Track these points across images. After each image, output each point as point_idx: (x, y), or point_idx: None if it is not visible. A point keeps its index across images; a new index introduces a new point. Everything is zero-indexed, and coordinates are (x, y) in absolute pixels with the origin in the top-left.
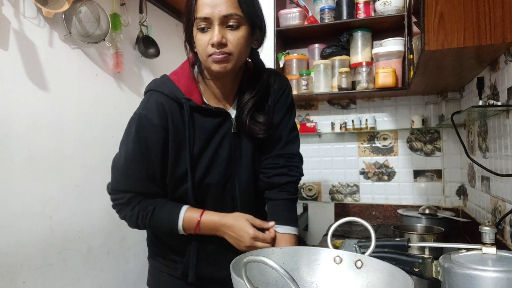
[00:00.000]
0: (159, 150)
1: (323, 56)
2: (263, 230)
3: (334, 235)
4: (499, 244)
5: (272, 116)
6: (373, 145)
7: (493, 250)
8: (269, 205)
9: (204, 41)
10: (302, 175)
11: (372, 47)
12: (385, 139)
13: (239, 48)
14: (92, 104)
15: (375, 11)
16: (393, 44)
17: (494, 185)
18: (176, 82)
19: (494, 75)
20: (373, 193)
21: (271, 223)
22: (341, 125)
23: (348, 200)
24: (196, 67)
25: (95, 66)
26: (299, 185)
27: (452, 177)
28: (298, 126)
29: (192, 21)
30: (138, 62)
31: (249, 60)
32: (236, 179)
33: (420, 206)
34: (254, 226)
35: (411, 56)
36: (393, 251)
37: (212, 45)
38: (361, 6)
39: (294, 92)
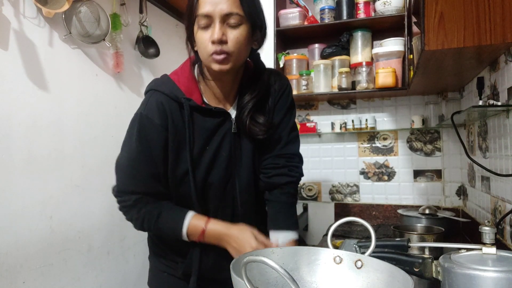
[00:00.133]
0: (161, 149)
1: (323, 56)
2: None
3: (334, 235)
4: (499, 244)
5: (272, 116)
6: (373, 145)
7: (493, 250)
8: (269, 208)
9: (205, 39)
10: (302, 175)
11: (372, 47)
12: (385, 139)
13: (239, 47)
14: (92, 104)
15: (375, 11)
16: (393, 44)
17: (494, 185)
18: (176, 82)
19: (494, 75)
20: (373, 193)
21: (274, 243)
22: (341, 125)
23: (348, 200)
24: (196, 66)
25: (95, 66)
26: (299, 185)
27: (452, 177)
28: (298, 126)
29: (193, 19)
30: (138, 62)
31: (249, 60)
32: (236, 179)
33: (420, 206)
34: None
35: (411, 56)
36: (393, 251)
37: (213, 43)
38: (361, 6)
39: (294, 92)
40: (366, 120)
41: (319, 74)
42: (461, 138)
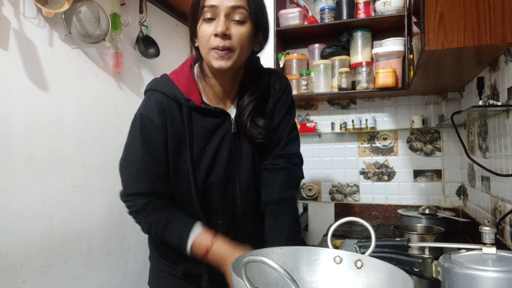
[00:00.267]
0: (163, 149)
1: (323, 56)
2: None
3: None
4: (499, 244)
5: (272, 117)
6: (373, 145)
7: (493, 250)
8: (269, 225)
9: (208, 32)
10: (302, 177)
11: (372, 47)
12: (385, 139)
13: (242, 43)
14: (92, 104)
15: (375, 11)
16: (393, 44)
17: (494, 185)
18: (175, 82)
19: (494, 75)
20: (373, 193)
21: None
22: (341, 125)
23: (348, 200)
24: (197, 65)
25: (95, 66)
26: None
27: (452, 177)
28: (298, 126)
29: (199, 12)
30: (138, 62)
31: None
32: (236, 179)
33: (420, 206)
34: None
35: (411, 56)
36: (393, 251)
37: (216, 36)
38: (361, 6)
39: (294, 92)
40: (366, 120)
41: (319, 74)
42: (461, 138)
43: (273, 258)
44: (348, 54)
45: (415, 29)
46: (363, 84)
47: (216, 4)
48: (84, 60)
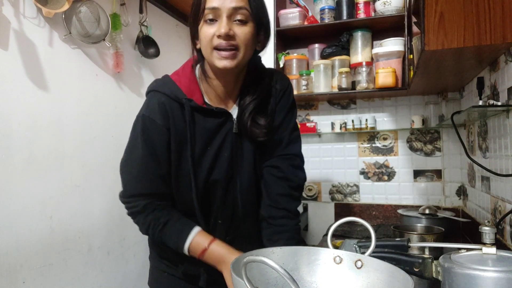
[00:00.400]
0: (164, 150)
1: (323, 56)
2: None
3: (334, 235)
4: (499, 244)
5: (273, 117)
6: (373, 145)
7: (493, 250)
8: (267, 239)
9: (209, 33)
10: (305, 180)
11: (372, 47)
12: (385, 139)
13: (245, 43)
14: (92, 104)
15: (375, 11)
16: (393, 44)
17: (494, 185)
18: (177, 82)
19: (494, 75)
20: (373, 193)
21: None
22: (341, 125)
23: (348, 200)
24: (198, 66)
25: (95, 66)
26: None
27: (452, 177)
28: (298, 126)
29: (200, 14)
30: (138, 62)
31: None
32: (237, 179)
33: (420, 206)
34: None
35: (411, 56)
36: (393, 251)
37: (219, 36)
38: (361, 6)
39: (294, 92)
40: (366, 120)
41: (319, 74)
42: (461, 138)
43: (273, 258)
44: (348, 54)
45: (415, 29)
46: (363, 84)
47: (218, 6)
48: (84, 60)
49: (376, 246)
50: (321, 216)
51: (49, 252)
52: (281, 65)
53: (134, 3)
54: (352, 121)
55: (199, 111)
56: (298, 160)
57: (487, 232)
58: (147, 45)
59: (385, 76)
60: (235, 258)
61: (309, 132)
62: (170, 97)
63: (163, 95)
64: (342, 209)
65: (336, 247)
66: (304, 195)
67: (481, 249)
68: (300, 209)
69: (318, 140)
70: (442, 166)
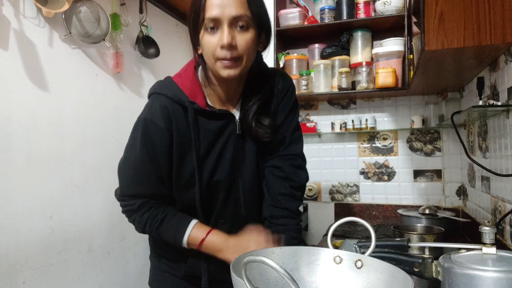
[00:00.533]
0: (165, 153)
1: (323, 56)
2: None
3: (334, 235)
4: (499, 244)
5: (275, 117)
6: (373, 145)
7: (493, 250)
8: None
9: (212, 43)
10: (307, 180)
11: (372, 47)
12: (385, 139)
13: (248, 50)
14: (92, 104)
15: (375, 11)
16: (393, 44)
17: (494, 185)
18: (179, 85)
19: (494, 75)
20: (373, 193)
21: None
22: (341, 125)
23: (348, 200)
24: (200, 69)
25: (95, 66)
26: None
27: (452, 177)
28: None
29: (199, 22)
30: (138, 62)
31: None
32: (240, 180)
33: (420, 206)
34: None
35: (411, 56)
36: (393, 251)
37: (222, 47)
38: (361, 6)
39: None
40: (366, 120)
41: (319, 74)
42: (461, 138)
43: (273, 258)
44: (348, 54)
45: (415, 29)
46: (363, 84)
47: (218, 16)
48: (84, 60)
49: (376, 246)
50: (321, 216)
51: (49, 252)
52: (281, 65)
53: (134, 3)
54: (352, 121)
55: (203, 114)
56: (299, 160)
57: (487, 232)
58: (147, 45)
59: (385, 76)
60: (235, 258)
61: (309, 132)
62: (173, 100)
63: (165, 97)
64: (342, 209)
65: (336, 247)
66: (304, 195)
67: (481, 249)
68: (300, 209)
69: (318, 140)
70: (442, 166)
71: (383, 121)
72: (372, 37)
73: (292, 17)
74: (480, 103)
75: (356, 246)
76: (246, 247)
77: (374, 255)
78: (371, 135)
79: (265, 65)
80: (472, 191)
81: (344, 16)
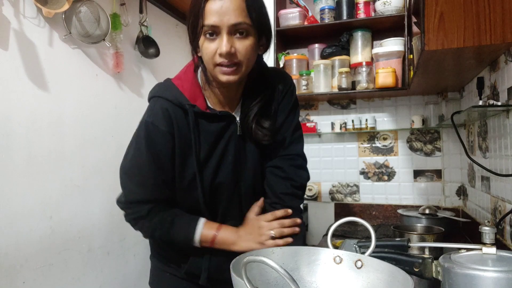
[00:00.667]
0: (168, 156)
1: (323, 56)
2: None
3: (334, 235)
4: (499, 244)
5: (276, 117)
6: (373, 145)
7: (493, 250)
8: None
9: (211, 49)
10: (308, 179)
11: (372, 47)
12: (385, 139)
13: (248, 57)
14: (92, 104)
15: (375, 11)
16: (393, 44)
17: (494, 185)
18: (179, 88)
19: (494, 75)
20: (373, 193)
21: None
22: (341, 125)
23: (348, 200)
24: (200, 71)
25: (95, 66)
26: None
27: (452, 177)
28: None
29: (198, 28)
30: (138, 62)
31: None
32: (241, 182)
33: (420, 206)
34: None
35: (411, 56)
36: (393, 251)
37: (220, 55)
38: (361, 6)
39: None
40: (366, 120)
41: (319, 74)
42: (461, 138)
43: (273, 258)
44: (348, 54)
45: (415, 29)
46: (363, 84)
47: (217, 24)
48: (84, 60)
49: (376, 246)
50: (321, 216)
51: (49, 252)
52: (281, 65)
53: (134, 3)
54: (352, 121)
55: (203, 117)
56: (300, 160)
57: (487, 232)
58: (147, 45)
59: (385, 76)
60: (235, 258)
61: (309, 132)
62: (173, 103)
63: (166, 101)
64: (342, 209)
65: (336, 247)
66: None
67: (481, 249)
68: (301, 207)
69: (318, 140)
70: (442, 166)
71: (383, 121)
72: (372, 37)
73: (292, 17)
74: (480, 103)
75: (356, 246)
76: (258, 226)
77: (374, 255)
78: (371, 135)
79: (265, 65)
80: (472, 191)
81: (344, 16)
